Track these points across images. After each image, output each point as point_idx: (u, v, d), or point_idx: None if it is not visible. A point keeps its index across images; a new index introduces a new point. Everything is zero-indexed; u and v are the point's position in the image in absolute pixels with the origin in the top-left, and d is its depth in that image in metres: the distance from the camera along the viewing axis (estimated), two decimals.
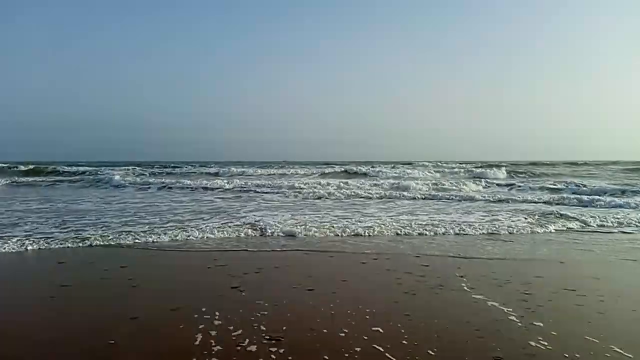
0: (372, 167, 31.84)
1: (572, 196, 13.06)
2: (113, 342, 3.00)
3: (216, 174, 27.79)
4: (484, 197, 13.94)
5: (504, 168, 28.18)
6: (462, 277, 4.72)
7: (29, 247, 6.12)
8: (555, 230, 8.07)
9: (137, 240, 6.71)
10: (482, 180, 20.89)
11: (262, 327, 3.26)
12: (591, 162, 44.53)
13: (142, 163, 44.91)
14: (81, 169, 29.86)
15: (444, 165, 35.87)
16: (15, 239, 6.45)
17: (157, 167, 34.06)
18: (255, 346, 2.93)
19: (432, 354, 2.82)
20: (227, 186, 18.70)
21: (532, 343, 2.98)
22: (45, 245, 6.29)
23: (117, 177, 22.67)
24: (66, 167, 30.66)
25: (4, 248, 6.02)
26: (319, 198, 14.19)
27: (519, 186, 18.67)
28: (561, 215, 9.47)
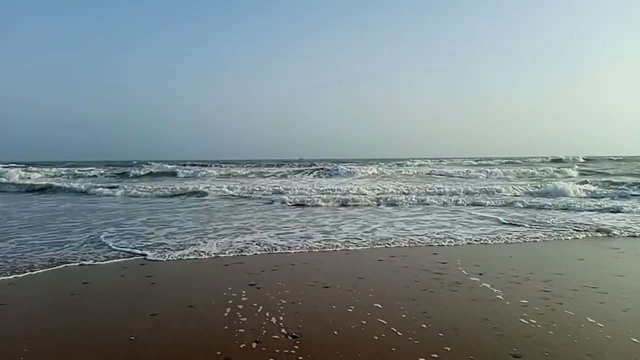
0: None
1: None
2: (134, 337, 3.06)
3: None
4: None
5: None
6: (480, 274, 4.67)
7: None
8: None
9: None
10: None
11: (280, 324, 3.29)
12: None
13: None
14: None
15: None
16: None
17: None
18: (274, 340, 2.95)
19: (450, 350, 2.81)
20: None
21: (552, 341, 2.93)
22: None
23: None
24: None
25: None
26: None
27: None
28: None
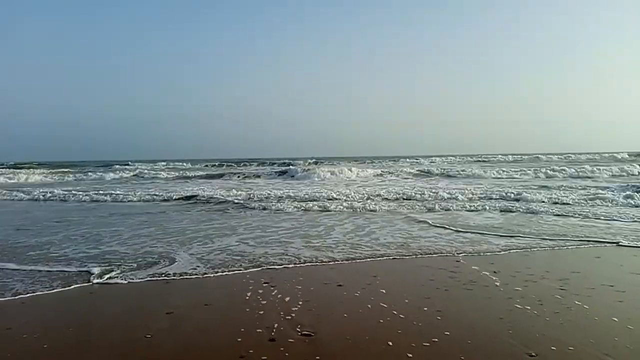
0: None
1: None
2: (150, 335, 3.11)
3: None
4: None
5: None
6: (495, 272, 4.63)
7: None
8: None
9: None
10: None
11: (294, 321, 3.31)
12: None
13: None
14: None
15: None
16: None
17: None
18: (288, 337, 2.97)
19: (465, 349, 2.81)
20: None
21: (569, 340, 2.90)
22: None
23: None
24: None
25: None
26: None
27: None
28: None
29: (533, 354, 2.70)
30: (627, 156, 36.91)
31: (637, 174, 21.31)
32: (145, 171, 29.23)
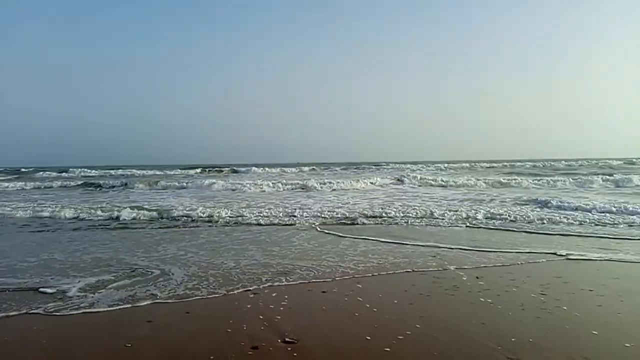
0: None
1: None
2: (130, 345, 3.06)
3: None
4: None
5: None
6: (477, 277, 4.68)
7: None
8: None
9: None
10: None
11: (277, 328, 3.30)
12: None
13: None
14: None
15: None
16: None
17: None
18: (271, 345, 2.96)
19: (445, 353, 2.82)
20: None
21: (549, 345, 2.94)
22: None
23: None
24: None
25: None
26: None
27: None
28: None
29: (513, 358, 2.73)
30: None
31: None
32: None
